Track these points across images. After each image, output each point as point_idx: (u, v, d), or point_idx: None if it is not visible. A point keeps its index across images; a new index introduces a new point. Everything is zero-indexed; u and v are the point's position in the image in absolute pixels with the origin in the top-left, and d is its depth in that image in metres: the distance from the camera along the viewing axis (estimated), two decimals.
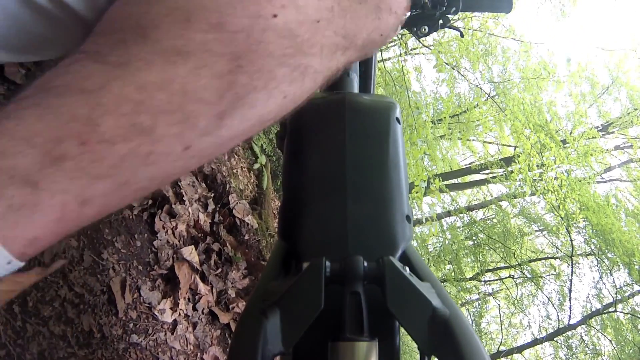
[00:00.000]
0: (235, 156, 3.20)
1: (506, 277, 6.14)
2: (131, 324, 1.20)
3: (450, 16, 1.02)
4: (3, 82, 1.11)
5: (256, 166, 2.86)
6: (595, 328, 5.11)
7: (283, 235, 0.63)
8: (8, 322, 0.93)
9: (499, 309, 6.20)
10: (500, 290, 6.67)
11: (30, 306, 0.97)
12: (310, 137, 0.68)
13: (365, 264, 0.51)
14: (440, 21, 1.01)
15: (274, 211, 3.53)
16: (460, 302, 6.70)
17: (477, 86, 4.81)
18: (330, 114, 0.70)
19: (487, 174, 6.57)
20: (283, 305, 0.49)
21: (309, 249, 0.59)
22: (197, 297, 1.47)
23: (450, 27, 1.06)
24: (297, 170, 0.67)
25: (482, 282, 6.52)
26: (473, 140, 7.09)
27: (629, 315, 4.87)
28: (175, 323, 1.34)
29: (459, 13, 1.11)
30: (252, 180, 3.24)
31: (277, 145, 1.20)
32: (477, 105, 5.41)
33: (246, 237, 2.16)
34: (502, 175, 5.58)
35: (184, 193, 1.63)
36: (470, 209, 7.02)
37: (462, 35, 1.22)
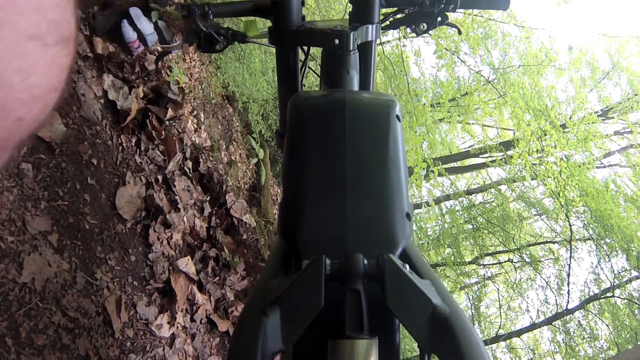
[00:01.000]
0: (234, 143, 3.15)
1: (505, 261, 6.18)
2: (128, 343, 1.18)
3: (448, 13, 1.00)
4: None
5: (253, 161, 2.81)
6: (592, 313, 5.17)
7: (283, 233, 0.63)
8: (2, 356, 0.90)
9: (498, 292, 6.27)
10: (499, 274, 6.72)
11: (23, 337, 0.95)
12: (311, 135, 0.68)
13: (365, 262, 0.51)
14: (439, 18, 1.00)
15: (274, 197, 3.51)
16: (459, 285, 6.77)
17: (477, 72, 4.72)
18: (331, 111, 0.70)
19: (487, 157, 6.53)
20: (283, 303, 0.49)
21: (309, 247, 0.59)
22: (194, 308, 1.45)
23: (448, 25, 1.05)
24: (297, 169, 0.67)
25: (481, 266, 6.57)
26: (472, 123, 7.02)
27: (626, 301, 4.92)
28: (173, 337, 1.32)
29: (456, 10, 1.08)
30: (250, 167, 3.20)
31: (277, 143, 1.17)
32: (479, 88, 5.32)
33: (244, 237, 2.13)
34: (501, 159, 5.54)
35: (178, 200, 1.59)
36: (469, 192, 7.01)
37: (459, 33, 1.20)
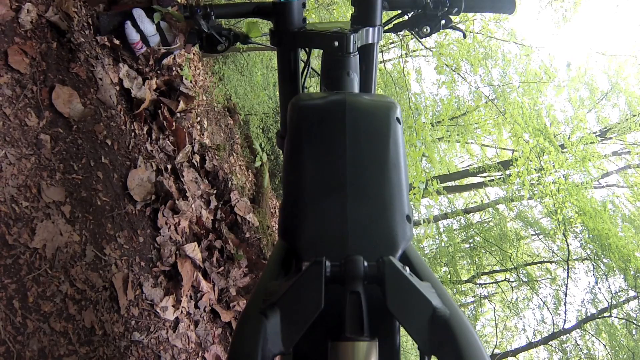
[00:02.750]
0: (234, 154, 3.18)
1: (502, 281, 6.15)
2: (133, 322, 1.17)
3: (452, 17, 1.00)
4: (7, 72, 1.07)
5: (257, 164, 2.83)
6: (589, 333, 5.13)
7: (283, 235, 0.63)
8: (8, 317, 0.90)
9: (494, 311, 6.21)
10: (496, 293, 6.68)
11: (30, 302, 0.94)
12: (311, 138, 0.68)
13: (366, 264, 0.51)
14: (442, 21, 1.00)
15: (272, 210, 3.51)
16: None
17: (477, 88, 4.82)
18: (331, 113, 0.70)
19: (485, 177, 6.59)
20: (283, 305, 0.49)
21: (309, 249, 0.59)
22: (199, 295, 1.44)
23: (452, 28, 1.05)
24: (297, 170, 0.67)
25: (478, 285, 6.53)
26: (471, 143, 7.11)
27: (623, 321, 4.90)
28: (177, 321, 1.31)
29: (461, 14, 1.10)
30: (250, 179, 3.21)
31: (277, 144, 1.18)
32: (480, 106, 5.41)
33: (247, 235, 2.13)
34: (499, 178, 5.59)
35: (187, 189, 1.60)
36: (467, 211, 7.03)
37: (464, 36, 1.22)
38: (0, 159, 0.97)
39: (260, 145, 3.36)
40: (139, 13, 1.10)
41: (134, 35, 1.14)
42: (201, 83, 2.78)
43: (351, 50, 0.92)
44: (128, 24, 1.12)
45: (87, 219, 1.14)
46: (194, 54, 2.55)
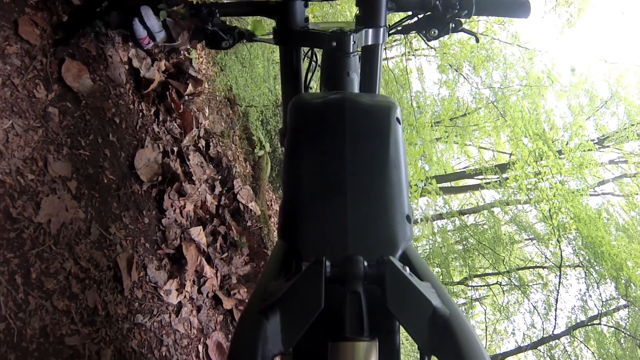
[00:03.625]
0: (233, 145, 3.15)
1: (494, 284, 6.18)
2: (136, 304, 1.15)
3: (462, 19, 0.99)
4: (17, 41, 1.04)
5: (260, 153, 2.80)
6: (578, 339, 5.18)
7: (283, 235, 0.63)
8: (9, 293, 0.87)
9: (485, 314, 6.26)
10: (487, 296, 6.72)
11: (33, 277, 0.91)
12: (310, 138, 0.68)
13: (366, 263, 0.51)
14: (452, 25, 0.98)
15: (268, 203, 3.48)
16: None
17: (478, 89, 4.83)
18: (331, 113, 0.70)
19: (481, 179, 6.61)
20: (283, 306, 0.48)
21: (309, 249, 0.59)
22: (202, 280, 1.41)
23: (462, 31, 1.03)
24: (297, 170, 0.67)
25: (470, 287, 6.56)
26: (469, 145, 7.13)
27: (612, 329, 4.95)
28: (180, 305, 1.29)
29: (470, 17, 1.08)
30: (247, 171, 3.18)
31: (280, 142, 1.17)
32: (481, 107, 5.42)
33: (249, 224, 2.11)
34: (496, 181, 5.61)
35: (193, 172, 1.57)
36: (462, 213, 7.06)
37: (477, 40, 1.18)
38: (7, 129, 0.94)
39: (259, 138, 3.33)
40: (146, 11, 1.13)
41: (141, 31, 1.18)
42: (204, 71, 2.75)
43: (350, 51, 0.91)
44: (136, 20, 1.15)
45: (93, 196, 1.11)
46: (187, 52, 2.53)
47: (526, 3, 0.98)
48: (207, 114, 2.49)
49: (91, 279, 1.04)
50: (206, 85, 2.68)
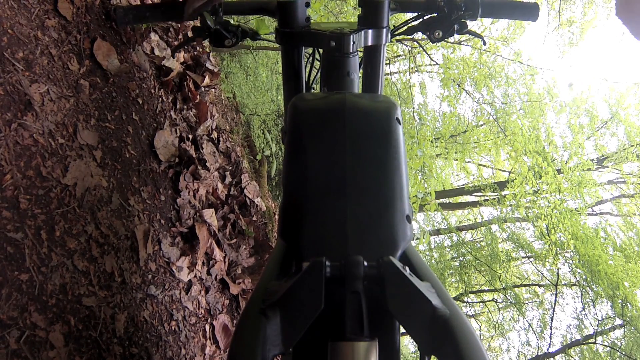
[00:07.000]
0: (238, 148, 3.19)
1: (489, 300, 6.17)
2: (150, 275, 1.18)
3: (467, 21, 0.98)
4: (56, 16, 1.09)
5: (266, 152, 2.84)
6: (574, 358, 5.15)
7: (283, 235, 0.63)
8: (34, 246, 0.90)
9: (480, 331, 6.22)
10: (482, 312, 6.69)
11: (57, 235, 0.95)
12: (310, 138, 0.68)
13: (366, 264, 0.51)
14: (457, 26, 0.97)
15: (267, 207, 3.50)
16: None
17: (480, 104, 4.92)
18: (331, 113, 0.70)
19: (480, 196, 6.65)
20: (283, 305, 0.48)
21: (309, 249, 0.59)
22: (211, 263, 1.44)
23: (469, 33, 1.02)
24: (297, 170, 0.67)
25: (465, 304, 6.54)
26: (468, 162, 7.20)
27: (608, 349, 4.93)
28: (190, 283, 1.31)
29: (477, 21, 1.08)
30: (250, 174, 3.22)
31: (282, 140, 1.18)
32: (483, 124, 5.50)
33: (254, 218, 2.14)
34: (494, 198, 5.65)
35: (206, 159, 1.61)
36: (459, 229, 7.08)
37: (484, 43, 1.18)
38: (43, 93, 0.98)
39: (260, 147, 3.37)
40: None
41: None
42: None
43: (350, 51, 0.91)
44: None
45: (115, 167, 1.15)
46: (204, 46, 2.58)
47: (534, 6, 0.98)
48: (214, 115, 2.54)
49: (110, 245, 1.07)
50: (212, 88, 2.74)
